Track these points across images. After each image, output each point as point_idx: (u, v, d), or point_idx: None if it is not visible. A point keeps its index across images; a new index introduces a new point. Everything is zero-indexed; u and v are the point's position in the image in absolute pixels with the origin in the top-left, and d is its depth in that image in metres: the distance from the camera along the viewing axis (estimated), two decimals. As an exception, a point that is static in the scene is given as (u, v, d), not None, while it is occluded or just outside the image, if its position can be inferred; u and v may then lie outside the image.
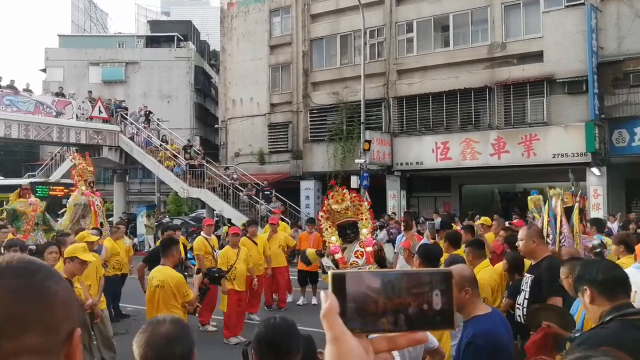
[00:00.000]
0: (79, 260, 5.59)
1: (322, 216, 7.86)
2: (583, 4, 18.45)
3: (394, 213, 20.59)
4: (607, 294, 2.58)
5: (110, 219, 19.00)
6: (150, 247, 20.17)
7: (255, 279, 9.84)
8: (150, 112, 27.26)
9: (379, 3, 23.22)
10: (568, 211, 6.83)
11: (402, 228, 8.68)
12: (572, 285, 3.82)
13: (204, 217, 19.47)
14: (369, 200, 19.70)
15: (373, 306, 0.82)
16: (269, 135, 26.38)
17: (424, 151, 21.48)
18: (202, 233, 10.60)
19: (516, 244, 4.73)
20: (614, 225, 12.90)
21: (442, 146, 21.04)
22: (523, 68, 20.01)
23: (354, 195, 8.06)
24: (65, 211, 12.57)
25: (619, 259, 5.48)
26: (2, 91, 22.60)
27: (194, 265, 9.98)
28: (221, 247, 10.52)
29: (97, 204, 11.38)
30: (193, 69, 36.60)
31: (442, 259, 5.42)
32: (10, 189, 17.61)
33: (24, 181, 22.34)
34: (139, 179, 35.60)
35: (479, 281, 3.52)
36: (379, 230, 18.23)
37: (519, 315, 4.59)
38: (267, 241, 11.14)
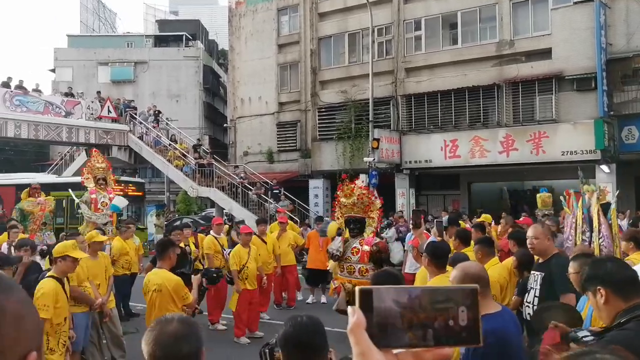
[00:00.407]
0: (71, 259, 5.43)
1: (336, 205, 8.16)
2: (592, 0, 18.32)
3: (402, 211, 20.55)
4: (622, 294, 2.54)
5: (120, 217, 19.06)
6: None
7: (265, 278, 9.87)
8: (159, 112, 27.36)
9: (386, 1, 23.18)
10: (604, 208, 6.59)
11: (411, 226, 8.68)
12: (580, 280, 3.81)
13: (214, 216, 19.54)
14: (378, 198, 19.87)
15: (400, 321, 0.83)
16: (278, 134, 26.41)
17: (432, 149, 21.44)
18: (211, 232, 10.64)
19: (529, 242, 4.66)
20: (623, 223, 12.80)
21: (451, 144, 20.99)
22: (531, 65, 19.91)
23: (365, 192, 8.09)
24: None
25: (627, 255, 5.45)
26: (11, 91, 22.76)
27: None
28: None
29: (102, 202, 11.31)
30: (201, 68, 36.69)
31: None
32: (76, 187, 17.47)
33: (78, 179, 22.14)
34: (148, 178, 35.74)
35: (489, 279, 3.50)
36: (387, 229, 18.23)
37: (528, 314, 4.57)
38: (276, 240, 11.16)
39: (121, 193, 19.09)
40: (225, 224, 18.48)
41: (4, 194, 20.42)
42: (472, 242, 6.27)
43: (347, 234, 8.23)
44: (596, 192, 6.99)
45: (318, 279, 12.09)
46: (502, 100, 20.38)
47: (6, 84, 23.44)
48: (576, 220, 6.78)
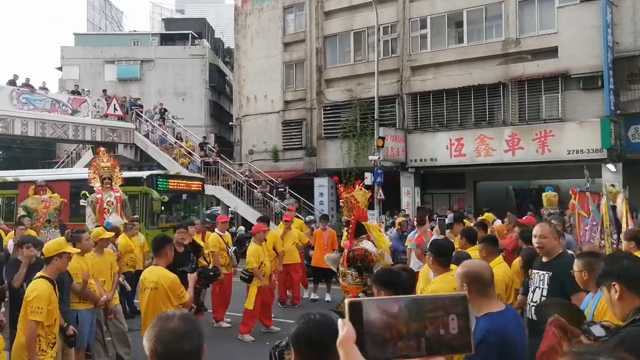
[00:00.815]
0: (67, 255, 5.31)
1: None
2: (599, -2, 18.25)
3: (404, 210, 20.53)
4: (637, 291, 2.53)
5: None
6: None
7: (274, 275, 9.97)
8: (165, 110, 27.43)
9: (392, -1, 23.16)
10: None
11: (415, 223, 8.63)
12: (585, 280, 3.80)
13: (219, 214, 19.58)
14: (383, 196, 19.87)
15: (390, 332, 0.82)
16: (283, 132, 26.42)
17: (438, 148, 21.40)
18: (216, 230, 10.66)
19: (536, 241, 4.60)
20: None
21: (456, 143, 20.95)
22: (537, 64, 19.84)
23: (349, 195, 8.06)
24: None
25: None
26: (19, 89, 22.88)
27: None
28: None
29: (108, 201, 11.35)
30: (207, 66, 36.69)
31: None
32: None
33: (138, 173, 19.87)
34: (154, 176, 35.79)
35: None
36: (392, 228, 18.22)
37: (533, 314, 4.52)
38: (279, 238, 11.16)
39: (185, 187, 18.70)
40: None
41: (58, 189, 19.63)
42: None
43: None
44: (622, 193, 6.97)
45: (322, 277, 12.12)
46: (508, 98, 20.32)
47: (12, 82, 23.57)
48: (602, 223, 6.75)
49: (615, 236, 6.22)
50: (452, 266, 4.52)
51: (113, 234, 8.05)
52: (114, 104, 25.30)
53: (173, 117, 28.24)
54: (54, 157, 35.35)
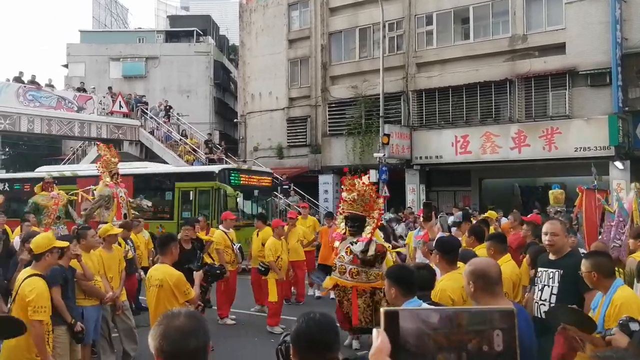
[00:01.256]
0: (57, 249, 5.20)
1: (342, 199, 7.78)
2: (607, -6, 18.11)
3: (410, 207, 20.48)
4: None
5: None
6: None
7: (291, 270, 10.24)
8: (170, 107, 27.46)
9: (398, -4, 23.05)
10: None
11: (422, 220, 8.53)
12: (594, 280, 3.74)
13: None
14: (388, 193, 19.81)
15: (429, 344, 0.76)
16: (288, 130, 26.40)
17: (443, 145, 21.32)
18: (220, 227, 10.64)
19: (548, 238, 4.53)
20: (638, 220, 12.65)
21: (462, 140, 20.86)
22: (545, 60, 19.71)
23: (369, 188, 7.70)
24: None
25: (633, 252, 5.37)
26: (25, 86, 22.94)
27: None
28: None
29: (121, 196, 11.40)
30: (212, 63, 36.66)
31: None
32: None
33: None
34: (159, 173, 35.84)
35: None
36: (396, 224, 18.17)
37: (543, 312, 4.44)
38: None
39: (256, 183, 17.59)
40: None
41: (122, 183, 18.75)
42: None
43: (342, 231, 7.86)
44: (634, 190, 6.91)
45: (327, 274, 12.05)
46: (515, 95, 20.21)
47: (18, 79, 23.64)
48: (632, 219, 6.69)
49: None
50: (460, 264, 4.47)
51: (121, 230, 8.05)
52: (120, 101, 25.35)
53: (178, 114, 28.26)
54: (60, 154, 35.46)
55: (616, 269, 4.24)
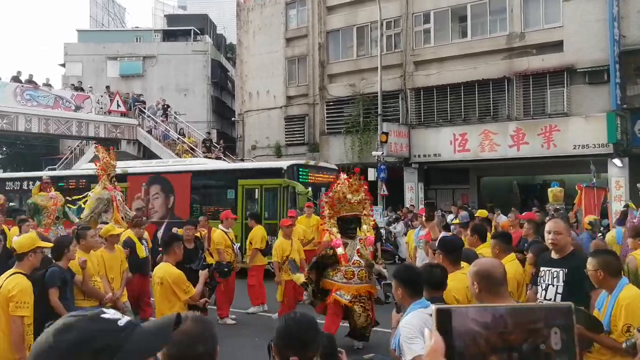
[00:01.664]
0: (40, 249, 5.13)
1: (327, 202, 7.33)
2: (605, -9, 18.10)
3: (413, 205, 20.47)
4: None
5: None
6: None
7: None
8: (167, 106, 27.41)
9: (395, -6, 23.02)
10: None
11: (423, 219, 8.48)
12: (600, 279, 3.73)
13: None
14: (386, 192, 19.79)
15: (482, 344, 0.73)
16: (286, 128, 26.35)
17: (441, 143, 21.31)
18: (220, 226, 10.61)
19: (551, 237, 4.50)
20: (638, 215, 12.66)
21: (460, 138, 20.85)
22: (542, 58, 19.70)
23: (366, 188, 7.56)
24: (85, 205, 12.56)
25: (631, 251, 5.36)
26: (22, 86, 22.89)
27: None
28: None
29: (118, 199, 11.36)
30: (210, 62, 36.60)
31: None
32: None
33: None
34: (157, 172, 35.72)
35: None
36: (395, 223, 18.18)
37: None
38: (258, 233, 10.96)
39: (324, 180, 16.08)
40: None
41: (178, 181, 16.84)
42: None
43: (332, 236, 7.49)
44: None
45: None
46: (513, 93, 20.20)
47: (16, 78, 23.58)
48: None
49: None
50: (464, 264, 4.45)
51: (122, 230, 8.04)
52: (117, 100, 25.31)
53: (175, 112, 28.22)
54: (57, 154, 35.36)
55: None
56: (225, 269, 7.64)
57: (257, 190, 15.68)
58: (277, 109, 26.79)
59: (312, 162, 17.24)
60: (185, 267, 6.17)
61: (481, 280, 3.05)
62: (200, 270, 6.25)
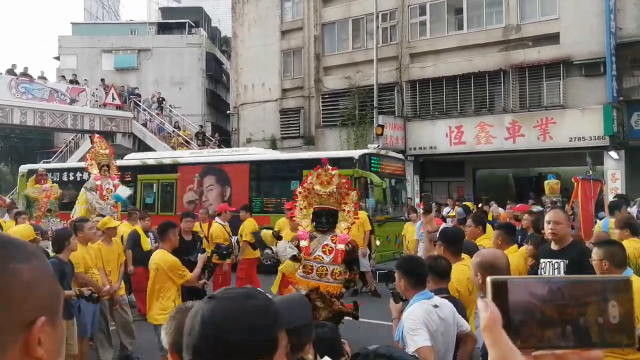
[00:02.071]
0: (37, 242, 5.42)
1: (299, 192, 6.91)
2: (601, -16, 18.07)
3: (410, 198, 20.46)
4: None
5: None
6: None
7: None
8: (162, 99, 27.32)
9: (391, -14, 22.94)
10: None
11: (421, 212, 8.43)
12: (605, 269, 3.73)
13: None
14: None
15: (539, 317, 0.70)
16: (281, 121, 26.29)
17: (437, 135, 21.30)
18: (217, 219, 10.57)
19: (550, 227, 4.47)
20: (633, 210, 12.70)
21: (456, 130, 20.84)
22: (539, 50, 19.69)
23: (343, 181, 6.98)
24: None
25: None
26: (17, 79, 22.76)
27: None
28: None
29: (107, 188, 11.23)
30: (204, 55, 36.45)
31: None
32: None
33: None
34: (152, 165, 35.61)
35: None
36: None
37: None
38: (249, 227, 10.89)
39: (396, 171, 15.64)
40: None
41: (235, 172, 15.92)
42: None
43: (308, 229, 6.94)
44: None
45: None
46: (509, 85, 20.19)
47: (11, 71, 23.43)
48: None
49: None
50: (465, 255, 4.44)
51: (119, 222, 8.03)
52: (112, 93, 25.20)
53: (170, 106, 28.13)
54: (52, 147, 35.21)
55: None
56: (224, 252, 7.64)
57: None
58: (273, 102, 26.70)
59: (383, 151, 16.22)
60: (183, 259, 6.15)
61: (484, 271, 3.05)
62: (199, 254, 6.35)
